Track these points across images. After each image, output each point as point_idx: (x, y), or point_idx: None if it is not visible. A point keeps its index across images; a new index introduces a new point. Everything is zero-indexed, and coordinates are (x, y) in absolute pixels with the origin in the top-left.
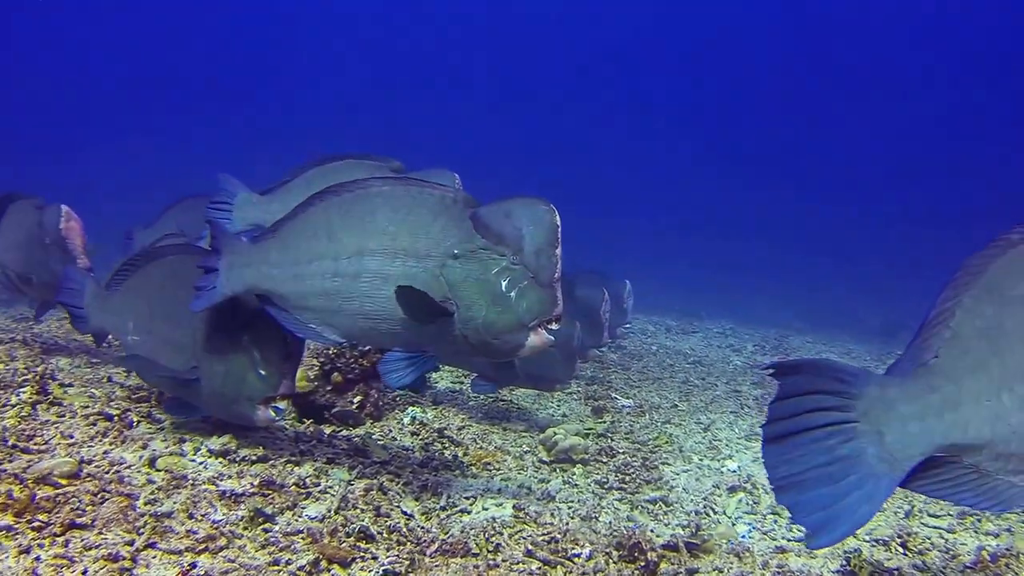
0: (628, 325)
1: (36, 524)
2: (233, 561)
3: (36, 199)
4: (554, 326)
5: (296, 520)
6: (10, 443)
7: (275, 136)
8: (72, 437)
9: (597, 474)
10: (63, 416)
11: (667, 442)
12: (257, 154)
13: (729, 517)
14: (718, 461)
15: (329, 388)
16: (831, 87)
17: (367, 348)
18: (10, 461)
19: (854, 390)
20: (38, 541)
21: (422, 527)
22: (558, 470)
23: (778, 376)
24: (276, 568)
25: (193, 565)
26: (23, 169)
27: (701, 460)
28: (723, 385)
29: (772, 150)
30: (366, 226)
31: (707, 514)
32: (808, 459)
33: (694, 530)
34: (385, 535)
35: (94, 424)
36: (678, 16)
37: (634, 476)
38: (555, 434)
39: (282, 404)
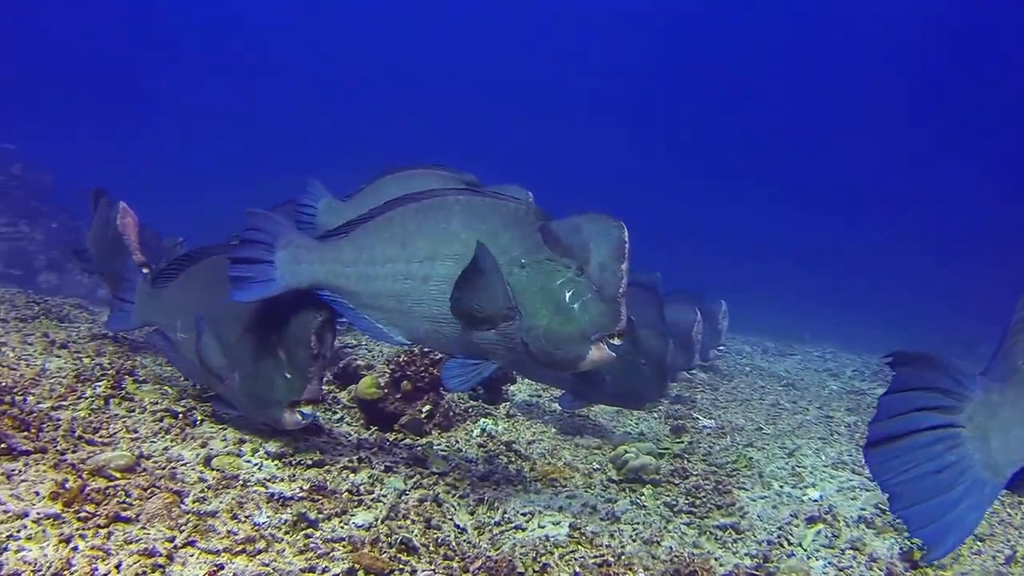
0: (722, 347)
1: (83, 515)
2: (267, 565)
3: (106, 196)
4: (616, 341)
5: (342, 527)
6: (76, 434)
7: (285, 139)
8: (136, 432)
9: (667, 496)
10: (132, 411)
11: (746, 466)
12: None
13: (805, 550)
14: (799, 489)
15: (399, 396)
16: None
17: (438, 357)
18: (73, 451)
19: (966, 392)
20: (81, 532)
21: (471, 542)
22: (627, 490)
23: (895, 365)
24: (310, 575)
25: (220, 567)
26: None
27: (781, 487)
28: (815, 410)
29: (879, 179)
30: (440, 232)
31: (780, 545)
32: (918, 467)
33: (761, 561)
34: (431, 548)
35: (160, 420)
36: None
37: (706, 500)
38: (626, 452)
39: (308, 409)
